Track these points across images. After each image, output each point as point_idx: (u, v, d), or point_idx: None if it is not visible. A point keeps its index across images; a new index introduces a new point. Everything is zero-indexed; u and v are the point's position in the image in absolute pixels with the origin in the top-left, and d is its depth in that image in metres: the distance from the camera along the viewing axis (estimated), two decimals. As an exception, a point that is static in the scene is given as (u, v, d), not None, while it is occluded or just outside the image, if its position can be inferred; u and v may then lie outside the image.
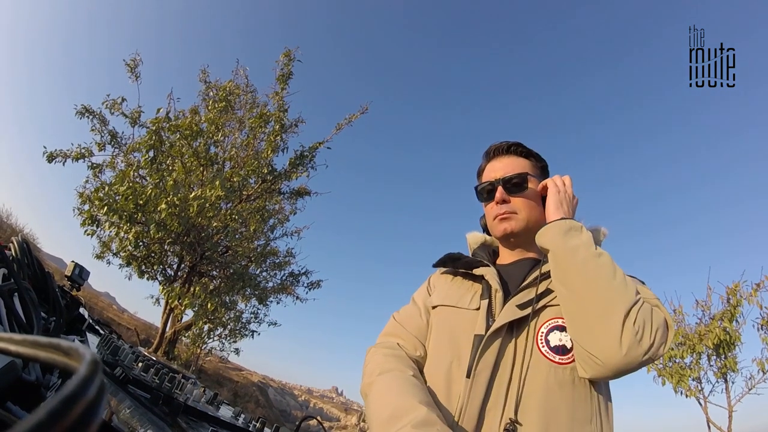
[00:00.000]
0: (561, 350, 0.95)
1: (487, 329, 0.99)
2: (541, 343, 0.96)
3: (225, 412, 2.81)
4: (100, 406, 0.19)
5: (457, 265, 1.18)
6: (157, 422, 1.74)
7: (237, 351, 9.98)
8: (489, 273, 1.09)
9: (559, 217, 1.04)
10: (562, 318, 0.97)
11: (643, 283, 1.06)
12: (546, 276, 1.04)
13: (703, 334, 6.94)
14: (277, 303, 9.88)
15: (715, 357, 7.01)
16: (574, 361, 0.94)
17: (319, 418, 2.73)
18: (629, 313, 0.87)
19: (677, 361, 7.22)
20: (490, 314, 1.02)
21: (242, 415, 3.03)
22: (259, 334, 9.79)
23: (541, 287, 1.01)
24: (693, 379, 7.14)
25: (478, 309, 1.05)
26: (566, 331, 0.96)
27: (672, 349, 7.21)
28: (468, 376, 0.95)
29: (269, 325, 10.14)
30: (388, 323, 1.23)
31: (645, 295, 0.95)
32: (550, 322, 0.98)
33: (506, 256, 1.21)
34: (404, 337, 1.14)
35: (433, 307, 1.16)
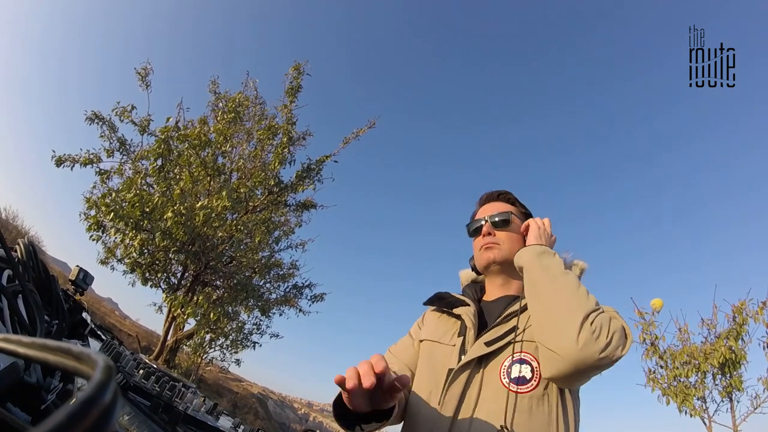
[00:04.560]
0: (521, 381, 1.06)
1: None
2: (503, 375, 1.08)
3: (224, 423, 2.79)
4: (116, 411, 0.19)
5: (440, 304, 1.32)
6: (156, 430, 1.73)
7: (238, 362, 9.94)
8: (465, 313, 1.23)
9: (537, 243, 1.19)
10: (524, 352, 1.10)
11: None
12: (518, 312, 1.16)
13: (709, 353, 6.87)
14: (280, 315, 9.90)
15: (720, 376, 6.93)
16: (533, 389, 1.06)
17: (318, 431, 2.71)
18: (588, 317, 0.99)
19: (682, 380, 7.13)
20: (462, 350, 1.15)
21: (241, 427, 3.02)
22: (260, 345, 9.80)
23: (511, 324, 1.14)
24: (698, 399, 7.04)
25: (455, 345, 1.18)
26: (527, 364, 1.09)
27: (677, 368, 7.15)
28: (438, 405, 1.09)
29: (271, 337, 10.15)
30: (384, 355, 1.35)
31: (606, 310, 1.08)
32: (513, 355, 1.10)
33: (491, 293, 1.33)
34: (397, 366, 1.28)
35: (421, 341, 1.30)
